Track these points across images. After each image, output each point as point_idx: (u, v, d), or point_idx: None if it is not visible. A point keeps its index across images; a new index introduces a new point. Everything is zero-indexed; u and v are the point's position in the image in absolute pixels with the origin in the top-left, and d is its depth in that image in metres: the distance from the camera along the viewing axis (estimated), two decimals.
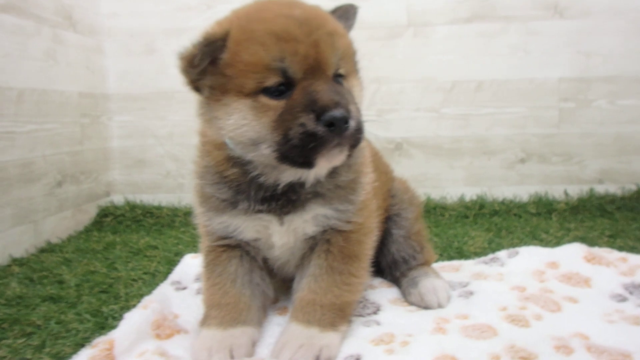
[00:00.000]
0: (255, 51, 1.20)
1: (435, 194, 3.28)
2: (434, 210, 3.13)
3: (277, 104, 1.20)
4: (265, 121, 1.21)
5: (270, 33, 1.20)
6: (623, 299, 1.61)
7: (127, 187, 3.42)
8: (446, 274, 1.92)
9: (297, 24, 1.22)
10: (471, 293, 1.67)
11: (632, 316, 1.48)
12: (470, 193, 3.26)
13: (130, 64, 3.36)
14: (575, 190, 3.24)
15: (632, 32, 3.14)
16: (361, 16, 3.58)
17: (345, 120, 1.17)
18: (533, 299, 1.58)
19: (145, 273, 2.23)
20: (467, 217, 3.04)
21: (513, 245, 2.48)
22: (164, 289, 1.80)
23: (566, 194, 3.25)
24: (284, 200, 1.36)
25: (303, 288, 1.42)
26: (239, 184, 1.36)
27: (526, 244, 2.51)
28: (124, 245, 2.67)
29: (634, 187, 3.18)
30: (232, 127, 1.23)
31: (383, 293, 1.71)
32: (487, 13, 3.22)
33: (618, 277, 1.75)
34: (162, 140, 3.40)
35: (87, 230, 3.05)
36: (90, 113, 3.18)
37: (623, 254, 1.93)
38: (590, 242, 2.49)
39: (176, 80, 3.42)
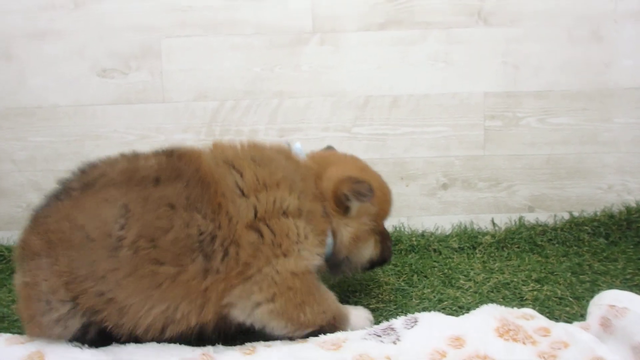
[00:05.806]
0: (389, 212, 1.97)
1: None
2: None
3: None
4: (378, 251, 1.90)
5: (392, 201, 1.98)
6: None
7: None
8: (322, 355, 1.47)
9: None
10: None
11: None
12: (386, 224, 2.83)
13: None
14: (504, 219, 2.86)
15: (565, 41, 2.79)
16: (261, 19, 3.07)
17: None
18: None
19: None
20: None
21: (423, 298, 2.07)
22: None
23: (493, 223, 2.87)
24: None
25: None
26: None
27: (439, 293, 2.10)
28: None
29: (566, 216, 2.82)
30: (367, 253, 1.86)
31: None
32: (403, 18, 2.81)
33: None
34: (22, 165, 2.82)
35: None
36: None
37: (545, 323, 1.52)
38: (514, 290, 2.10)
39: (39, 94, 2.85)
